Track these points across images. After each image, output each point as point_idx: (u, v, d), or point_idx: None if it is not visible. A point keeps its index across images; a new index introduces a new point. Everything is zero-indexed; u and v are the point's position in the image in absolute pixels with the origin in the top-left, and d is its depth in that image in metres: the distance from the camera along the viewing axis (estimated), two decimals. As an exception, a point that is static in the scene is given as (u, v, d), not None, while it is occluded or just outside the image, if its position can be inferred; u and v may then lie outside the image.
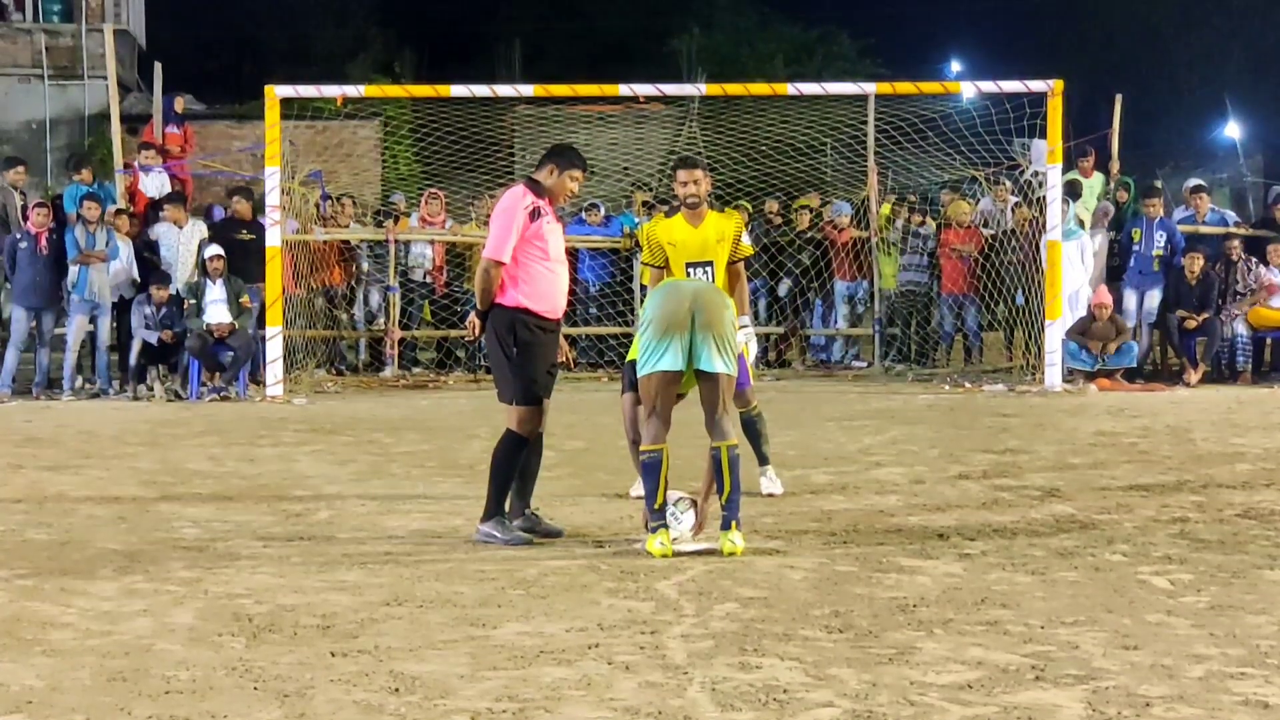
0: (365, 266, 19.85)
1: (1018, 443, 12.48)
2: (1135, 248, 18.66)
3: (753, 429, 9.66)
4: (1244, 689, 5.29)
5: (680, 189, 9.38)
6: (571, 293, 19.94)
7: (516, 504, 8.45)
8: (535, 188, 8.36)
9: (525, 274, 8.20)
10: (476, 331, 8.43)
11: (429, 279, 19.92)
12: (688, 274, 9.21)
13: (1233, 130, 36.14)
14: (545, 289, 8.29)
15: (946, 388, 17.79)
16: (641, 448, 8.00)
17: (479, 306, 8.30)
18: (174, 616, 6.49)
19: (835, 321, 20.58)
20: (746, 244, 9.53)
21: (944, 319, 19.89)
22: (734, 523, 7.79)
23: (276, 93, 17.77)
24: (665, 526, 7.82)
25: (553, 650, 5.86)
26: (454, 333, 19.96)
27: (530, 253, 8.20)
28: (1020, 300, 18.48)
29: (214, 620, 6.40)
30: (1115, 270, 18.94)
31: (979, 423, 14.10)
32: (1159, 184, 20.39)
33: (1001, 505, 9.36)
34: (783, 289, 20.38)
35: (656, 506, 7.82)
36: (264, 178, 17.86)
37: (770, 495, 9.62)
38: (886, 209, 20.34)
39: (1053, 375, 17.18)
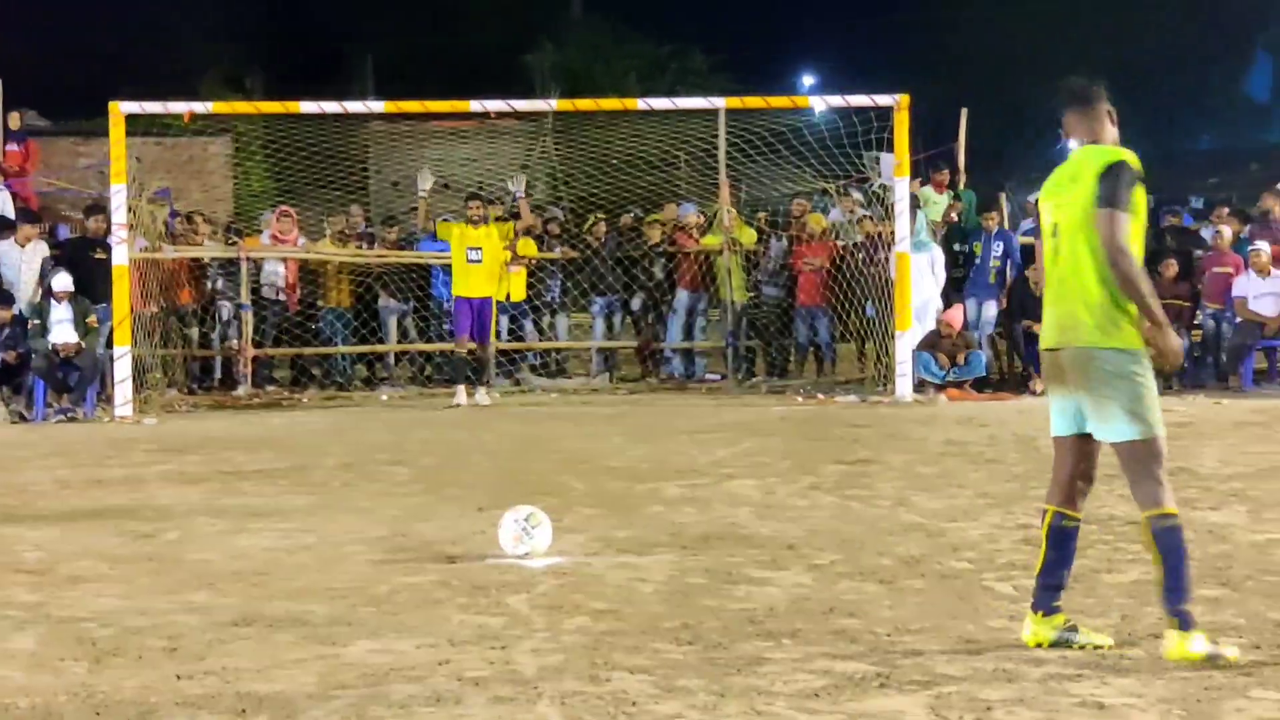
0: (218, 285, 19.58)
1: (869, 453, 12.64)
2: (976, 260, 19.06)
3: None
4: (1081, 690, 5.43)
5: (470, 212, 17.72)
6: (425, 309, 20.11)
7: None
8: None
9: None
10: None
11: (281, 296, 19.69)
12: (466, 255, 17.34)
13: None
14: None
15: (799, 399, 17.95)
16: None
17: None
18: (14, 642, 6.37)
19: (675, 333, 20.42)
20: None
21: (799, 331, 20.05)
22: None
23: (121, 109, 17.48)
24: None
25: (403, 667, 5.84)
26: (308, 350, 19.79)
27: None
28: (870, 312, 18.69)
29: (56, 645, 6.29)
30: (957, 281, 19.26)
31: (831, 434, 14.26)
32: (1002, 197, 20.76)
33: (852, 515, 9.48)
34: (635, 303, 20.46)
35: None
36: (109, 195, 17.58)
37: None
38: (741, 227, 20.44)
39: (903, 386, 17.40)
